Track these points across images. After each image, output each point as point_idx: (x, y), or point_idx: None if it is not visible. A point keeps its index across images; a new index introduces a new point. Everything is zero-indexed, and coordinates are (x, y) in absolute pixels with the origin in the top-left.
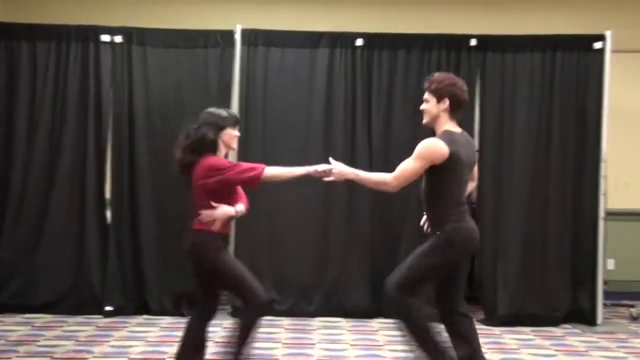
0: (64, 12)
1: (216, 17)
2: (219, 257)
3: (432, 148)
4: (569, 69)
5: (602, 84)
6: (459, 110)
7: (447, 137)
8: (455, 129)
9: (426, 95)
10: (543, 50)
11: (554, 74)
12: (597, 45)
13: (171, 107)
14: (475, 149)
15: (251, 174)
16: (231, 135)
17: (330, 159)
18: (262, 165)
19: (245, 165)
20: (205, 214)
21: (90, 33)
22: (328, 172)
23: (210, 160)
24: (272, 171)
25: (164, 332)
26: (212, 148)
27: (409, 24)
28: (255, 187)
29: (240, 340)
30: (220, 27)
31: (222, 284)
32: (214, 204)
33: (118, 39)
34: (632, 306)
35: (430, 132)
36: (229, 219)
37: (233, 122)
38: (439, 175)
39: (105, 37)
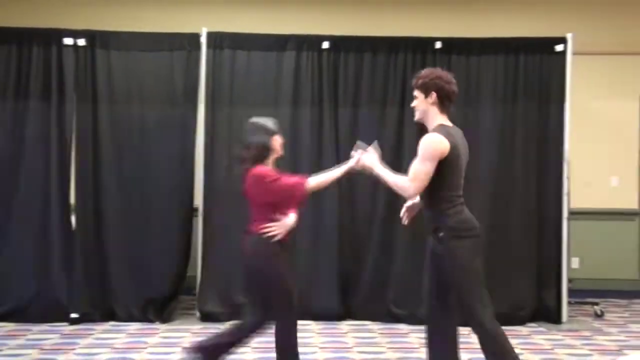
0: (26, 15)
1: (181, 20)
2: (277, 265)
3: (436, 144)
4: (531, 71)
5: (564, 85)
6: (449, 104)
7: (443, 130)
8: (448, 122)
9: (415, 92)
10: (507, 53)
11: (518, 76)
12: (559, 47)
13: (136, 111)
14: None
15: (297, 194)
16: (279, 141)
17: (371, 146)
18: (304, 180)
19: (290, 180)
20: (271, 226)
21: (53, 36)
22: (360, 163)
23: (262, 170)
24: (314, 182)
25: (131, 338)
26: (268, 156)
27: (374, 27)
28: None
29: (232, 340)
30: (186, 30)
31: (272, 289)
32: (277, 216)
33: (81, 42)
34: (596, 304)
35: (397, 136)
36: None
37: (277, 128)
38: (441, 169)
39: (68, 40)
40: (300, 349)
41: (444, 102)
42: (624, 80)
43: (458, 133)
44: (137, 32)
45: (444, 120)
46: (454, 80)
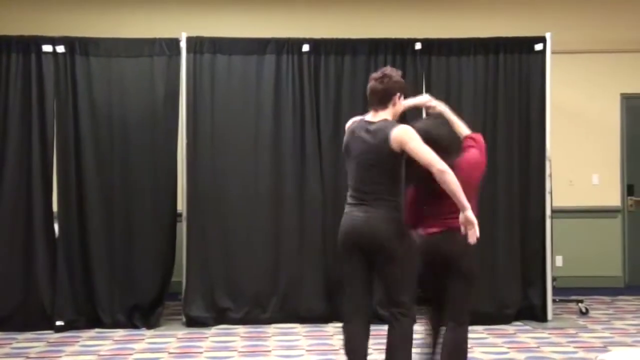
0: (4, 23)
1: (161, 25)
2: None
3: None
4: (511, 70)
5: (544, 84)
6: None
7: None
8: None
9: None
10: (486, 53)
11: (498, 75)
12: (538, 47)
13: (117, 117)
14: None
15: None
16: None
17: None
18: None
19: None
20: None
21: (31, 43)
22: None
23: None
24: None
25: (117, 345)
26: None
27: (354, 29)
28: None
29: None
30: (165, 36)
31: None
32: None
33: (60, 49)
34: (580, 301)
35: None
36: None
37: None
38: (399, 165)
39: (47, 48)
40: (287, 352)
41: (368, 99)
42: (605, 78)
43: (374, 128)
44: (117, 38)
45: (369, 115)
46: (379, 76)
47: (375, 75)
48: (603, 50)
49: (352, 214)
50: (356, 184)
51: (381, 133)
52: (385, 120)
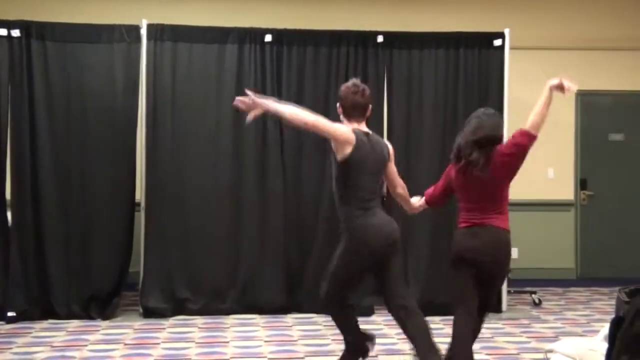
0: None
1: (120, 11)
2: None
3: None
4: (471, 65)
5: (502, 79)
6: (354, 112)
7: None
8: (362, 128)
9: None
10: (447, 47)
11: (458, 69)
12: (497, 42)
13: (74, 105)
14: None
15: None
16: None
17: None
18: None
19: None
20: None
21: None
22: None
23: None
24: None
25: (70, 336)
26: None
27: (317, 20)
28: None
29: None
30: (126, 22)
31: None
32: None
33: (16, 32)
34: (534, 292)
35: None
36: None
37: None
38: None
39: (1, 31)
40: (245, 343)
41: (348, 111)
42: (560, 74)
43: (373, 139)
44: (75, 24)
45: (355, 126)
46: (359, 90)
47: (352, 88)
48: (560, 47)
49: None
50: (370, 193)
51: (379, 146)
52: (372, 132)
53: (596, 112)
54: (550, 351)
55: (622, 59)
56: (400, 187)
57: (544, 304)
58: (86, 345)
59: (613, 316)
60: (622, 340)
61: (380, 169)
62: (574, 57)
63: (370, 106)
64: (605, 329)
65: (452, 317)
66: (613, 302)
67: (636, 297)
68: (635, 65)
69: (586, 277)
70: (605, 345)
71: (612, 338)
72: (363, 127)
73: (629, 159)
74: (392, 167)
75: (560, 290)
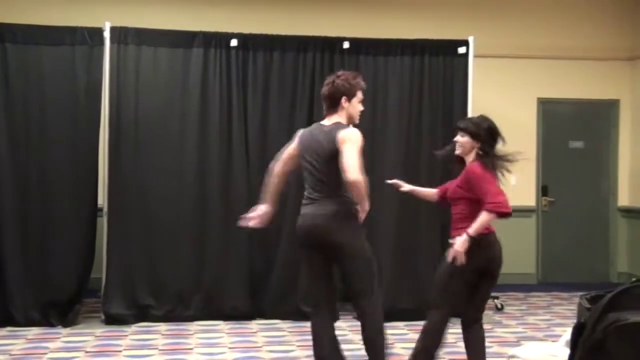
0: None
1: (83, 13)
2: None
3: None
4: (436, 72)
5: (467, 87)
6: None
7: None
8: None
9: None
10: (412, 54)
11: (423, 76)
12: (461, 50)
13: (34, 107)
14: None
15: None
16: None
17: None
18: None
19: None
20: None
21: None
22: None
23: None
24: None
25: (30, 344)
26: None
27: (283, 25)
28: None
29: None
30: (88, 24)
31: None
32: None
33: None
34: (497, 297)
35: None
36: None
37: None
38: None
39: None
40: (209, 350)
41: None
42: (523, 82)
43: (323, 130)
44: (36, 25)
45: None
46: (327, 81)
47: (326, 79)
48: (523, 56)
49: (303, 211)
50: (313, 183)
51: (330, 135)
52: (338, 123)
53: (557, 120)
54: (513, 356)
55: (583, 68)
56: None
57: (506, 309)
58: (46, 354)
59: (574, 321)
60: (584, 346)
61: (322, 159)
62: (537, 65)
63: (345, 98)
64: (567, 334)
65: (415, 322)
66: (573, 306)
67: (597, 304)
68: (595, 75)
69: (546, 282)
70: (567, 351)
71: (573, 344)
72: (333, 119)
73: (589, 166)
74: (340, 157)
75: (521, 295)
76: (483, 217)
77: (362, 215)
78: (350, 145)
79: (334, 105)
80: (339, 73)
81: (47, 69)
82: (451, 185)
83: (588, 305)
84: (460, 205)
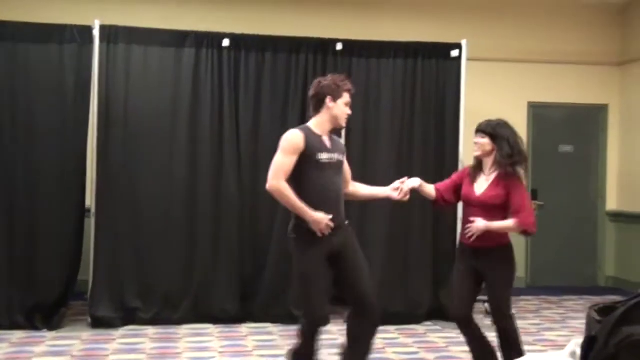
0: None
1: (72, 11)
2: None
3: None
4: (429, 75)
5: (459, 90)
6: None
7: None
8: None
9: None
10: (405, 57)
11: (415, 79)
12: (454, 53)
13: (21, 106)
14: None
15: None
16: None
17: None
18: None
19: None
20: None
21: None
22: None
23: None
24: None
25: (14, 348)
26: None
27: (276, 26)
28: None
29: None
30: (78, 22)
31: None
32: None
33: None
34: (486, 301)
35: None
36: None
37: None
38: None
39: None
40: (198, 354)
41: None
42: (514, 86)
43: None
44: (24, 23)
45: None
46: (314, 82)
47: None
48: (514, 60)
49: None
50: None
51: None
52: (303, 125)
53: (547, 124)
54: None
55: (573, 72)
56: None
57: None
58: (31, 358)
59: (563, 326)
60: None
61: None
62: (528, 69)
63: (329, 98)
64: (571, 344)
65: (406, 326)
66: (562, 310)
67: (609, 317)
68: (585, 79)
69: (535, 285)
70: None
71: (584, 358)
72: (312, 121)
73: (579, 171)
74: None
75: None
76: (510, 225)
77: (315, 227)
78: (278, 152)
79: (318, 106)
80: (328, 75)
81: (35, 68)
82: (484, 190)
83: (598, 318)
84: (492, 211)
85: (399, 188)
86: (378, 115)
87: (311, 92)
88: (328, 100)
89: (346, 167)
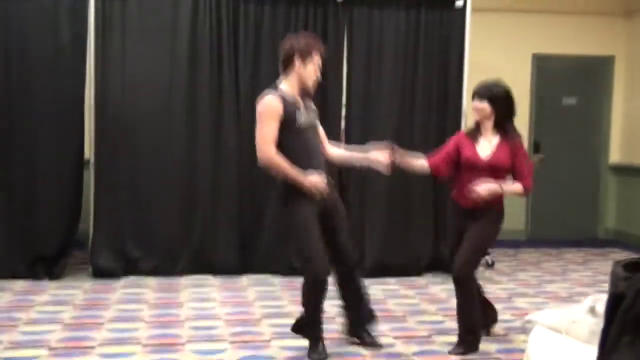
0: None
1: None
2: None
3: None
4: (432, 26)
5: (463, 41)
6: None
7: None
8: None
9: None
10: (408, 8)
11: (419, 30)
12: (459, 3)
13: (16, 61)
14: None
15: None
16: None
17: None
18: None
19: None
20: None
21: None
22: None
23: None
24: None
25: (15, 296)
26: None
27: None
28: None
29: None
30: None
31: None
32: None
33: None
34: (487, 254)
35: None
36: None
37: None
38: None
39: None
40: (199, 304)
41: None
42: (519, 37)
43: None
44: None
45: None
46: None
47: None
48: (519, 9)
49: None
50: None
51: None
52: (273, 86)
53: (550, 76)
54: (529, 322)
55: (579, 23)
56: None
57: (497, 265)
58: (32, 307)
59: (563, 278)
60: (624, 320)
61: None
62: (533, 19)
63: (299, 59)
64: (589, 300)
65: (407, 278)
66: (562, 262)
67: (637, 274)
68: (590, 30)
69: (535, 238)
70: (589, 319)
71: (609, 316)
72: (281, 81)
73: (581, 123)
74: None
75: (511, 251)
76: (517, 189)
77: (314, 190)
78: (259, 122)
79: (285, 66)
80: (302, 33)
81: (28, 22)
82: (491, 153)
83: (626, 274)
84: (498, 174)
85: (381, 161)
86: (379, 67)
87: (280, 51)
88: (296, 58)
89: (320, 129)
